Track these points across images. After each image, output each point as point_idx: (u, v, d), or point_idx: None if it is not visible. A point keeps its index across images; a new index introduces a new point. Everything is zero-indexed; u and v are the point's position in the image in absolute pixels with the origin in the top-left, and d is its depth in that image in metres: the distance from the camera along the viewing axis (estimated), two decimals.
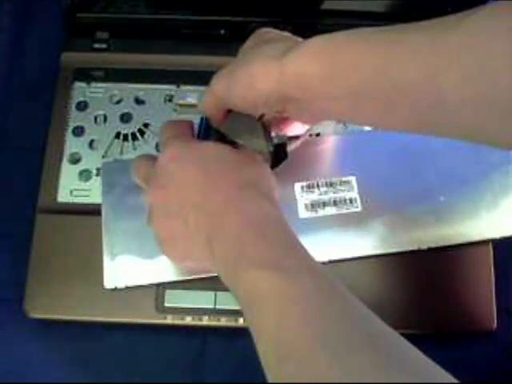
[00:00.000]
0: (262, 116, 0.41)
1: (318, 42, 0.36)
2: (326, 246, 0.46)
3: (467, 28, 0.31)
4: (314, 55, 0.36)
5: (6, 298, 0.49)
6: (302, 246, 0.37)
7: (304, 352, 0.31)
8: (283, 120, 0.44)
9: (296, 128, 0.45)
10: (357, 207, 0.47)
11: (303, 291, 0.33)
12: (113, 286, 0.46)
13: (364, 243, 0.47)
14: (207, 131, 0.44)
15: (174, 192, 0.40)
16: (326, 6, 0.53)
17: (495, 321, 0.46)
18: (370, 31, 0.35)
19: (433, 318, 0.46)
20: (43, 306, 0.47)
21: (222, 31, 0.54)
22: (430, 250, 0.47)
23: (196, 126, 0.45)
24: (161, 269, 0.46)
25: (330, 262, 0.46)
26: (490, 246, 0.48)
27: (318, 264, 0.36)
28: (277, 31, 0.43)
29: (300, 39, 0.41)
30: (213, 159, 0.41)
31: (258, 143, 0.42)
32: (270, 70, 0.37)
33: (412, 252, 0.47)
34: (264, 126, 0.41)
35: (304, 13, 0.54)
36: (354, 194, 0.47)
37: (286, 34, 0.42)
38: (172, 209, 0.40)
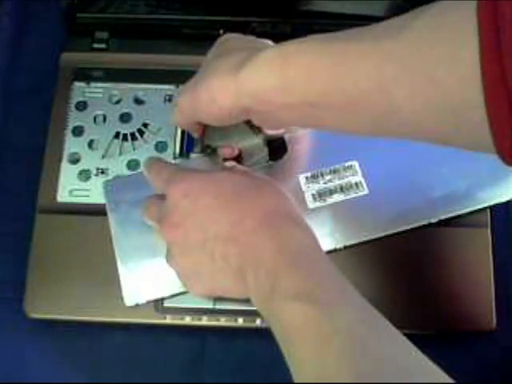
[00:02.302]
0: None
1: (270, 53, 0.36)
2: (340, 233, 0.46)
3: (411, 34, 0.31)
4: (267, 68, 0.36)
5: (6, 298, 0.49)
6: (338, 275, 0.36)
7: None
8: None
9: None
10: (363, 190, 0.47)
11: (339, 324, 0.33)
12: (134, 303, 0.45)
13: (376, 225, 0.47)
14: (190, 143, 0.45)
15: (191, 228, 0.40)
16: (325, 6, 0.53)
17: (495, 321, 0.46)
18: (320, 40, 0.35)
19: (432, 318, 0.46)
20: (43, 306, 0.47)
21: (222, 31, 0.54)
22: (439, 222, 0.47)
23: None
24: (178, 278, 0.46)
25: (346, 247, 0.46)
26: (490, 247, 0.48)
27: (355, 292, 0.35)
28: (239, 37, 0.43)
29: (260, 45, 0.41)
30: (229, 188, 0.40)
31: (248, 140, 0.43)
32: (227, 85, 0.37)
33: (420, 228, 0.47)
34: (248, 121, 0.42)
35: (304, 13, 0.54)
36: (359, 178, 0.48)
37: (249, 38, 0.42)
38: (193, 245, 0.40)
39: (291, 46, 0.36)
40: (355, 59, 0.33)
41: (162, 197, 0.42)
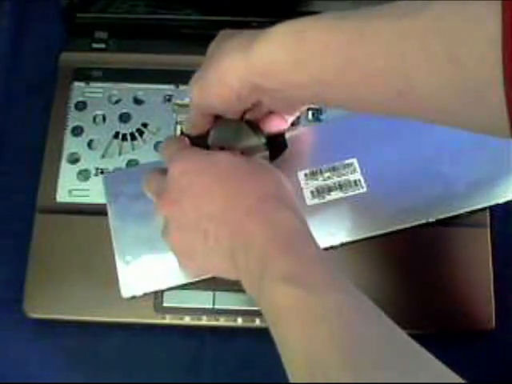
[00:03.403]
0: (243, 116, 0.41)
1: (283, 28, 0.35)
2: (337, 230, 0.46)
3: (433, 12, 0.30)
4: (280, 43, 0.35)
5: (6, 298, 0.49)
6: (327, 260, 0.37)
7: (331, 369, 0.31)
8: (264, 117, 0.44)
9: (278, 123, 0.45)
10: (362, 188, 0.47)
11: (328, 307, 0.33)
12: (130, 295, 0.45)
13: (374, 222, 0.47)
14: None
15: (188, 206, 0.40)
16: (325, 6, 0.53)
17: (494, 320, 0.46)
18: (336, 17, 0.34)
19: (432, 318, 0.46)
20: (42, 306, 0.47)
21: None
22: (437, 222, 0.47)
23: None
24: (175, 271, 0.45)
25: (343, 244, 0.46)
26: (490, 247, 0.48)
27: (344, 278, 0.36)
28: (241, 30, 0.42)
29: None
30: (226, 169, 0.40)
31: (250, 141, 0.43)
32: (237, 62, 0.37)
33: (419, 228, 0.47)
34: (250, 123, 0.42)
35: (304, 13, 0.54)
36: (358, 176, 0.48)
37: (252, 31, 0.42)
38: (188, 222, 0.40)
39: (305, 22, 0.35)
40: (372, 37, 0.32)
41: (163, 172, 0.42)
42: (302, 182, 0.48)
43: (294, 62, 0.35)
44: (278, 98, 0.39)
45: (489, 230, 0.48)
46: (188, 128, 0.44)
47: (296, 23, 0.35)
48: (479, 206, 0.47)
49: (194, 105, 0.42)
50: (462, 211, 0.47)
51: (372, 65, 0.33)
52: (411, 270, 0.47)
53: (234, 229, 0.38)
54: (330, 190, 0.47)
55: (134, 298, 0.45)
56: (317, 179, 0.48)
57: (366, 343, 0.32)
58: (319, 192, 0.47)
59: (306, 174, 0.48)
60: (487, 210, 0.48)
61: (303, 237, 0.38)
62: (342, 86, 0.35)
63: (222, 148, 0.43)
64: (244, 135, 0.43)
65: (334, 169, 0.48)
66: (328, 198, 0.47)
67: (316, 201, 0.47)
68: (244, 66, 0.37)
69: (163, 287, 0.46)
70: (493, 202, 0.47)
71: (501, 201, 0.47)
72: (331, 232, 0.46)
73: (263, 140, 0.43)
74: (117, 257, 0.46)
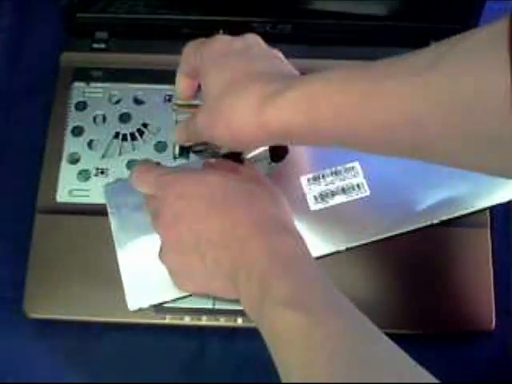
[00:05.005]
0: None
1: (295, 94, 0.36)
2: (342, 234, 0.46)
3: (445, 68, 0.30)
4: (293, 109, 0.35)
5: (6, 298, 0.49)
6: (327, 282, 0.37)
7: None
8: None
9: None
10: (365, 192, 0.47)
11: (328, 332, 0.33)
12: (137, 308, 0.45)
13: (378, 226, 0.47)
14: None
15: (185, 230, 0.40)
16: (325, 6, 0.53)
17: (494, 321, 0.46)
18: (346, 76, 0.35)
19: (432, 318, 0.46)
20: (42, 306, 0.47)
21: (222, 31, 0.54)
22: (441, 223, 0.47)
23: None
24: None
25: (348, 249, 0.46)
26: (490, 248, 0.48)
27: (345, 300, 0.36)
28: (229, 47, 0.41)
29: (258, 63, 0.40)
30: (221, 193, 0.40)
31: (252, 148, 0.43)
32: (249, 123, 0.37)
33: (420, 229, 0.47)
34: None
35: (304, 13, 0.54)
36: (361, 179, 0.48)
37: (238, 45, 0.41)
38: (186, 246, 0.40)
39: (316, 85, 0.35)
40: (386, 96, 0.32)
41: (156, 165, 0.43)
42: (305, 188, 0.48)
43: (309, 126, 0.35)
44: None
45: (489, 230, 0.48)
46: (181, 139, 0.45)
47: (306, 87, 0.36)
48: (481, 207, 0.47)
49: (200, 133, 0.41)
50: (464, 212, 0.47)
51: (387, 122, 0.33)
52: (411, 271, 0.47)
53: (233, 253, 0.38)
54: (333, 194, 0.47)
55: (140, 310, 0.45)
56: (319, 184, 0.48)
57: (366, 368, 0.32)
58: (322, 197, 0.47)
59: (308, 180, 0.48)
60: (487, 211, 0.48)
61: (303, 260, 0.38)
62: (358, 143, 0.35)
63: (224, 156, 0.44)
64: None
65: (336, 173, 0.48)
66: (331, 202, 0.47)
67: (320, 206, 0.47)
68: (257, 126, 0.37)
69: (169, 298, 0.46)
70: (494, 203, 0.47)
71: (502, 201, 0.47)
72: (336, 237, 0.46)
73: (265, 146, 0.43)
74: (121, 268, 0.46)
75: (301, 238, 0.39)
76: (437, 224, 0.47)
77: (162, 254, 0.43)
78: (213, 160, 0.45)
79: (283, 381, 0.34)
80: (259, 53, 0.42)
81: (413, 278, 0.47)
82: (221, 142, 0.40)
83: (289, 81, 0.37)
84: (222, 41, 0.42)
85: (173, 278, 0.43)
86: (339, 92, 0.34)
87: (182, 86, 0.45)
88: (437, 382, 0.31)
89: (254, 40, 0.42)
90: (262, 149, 0.44)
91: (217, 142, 0.40)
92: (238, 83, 0.38)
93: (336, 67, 0.36)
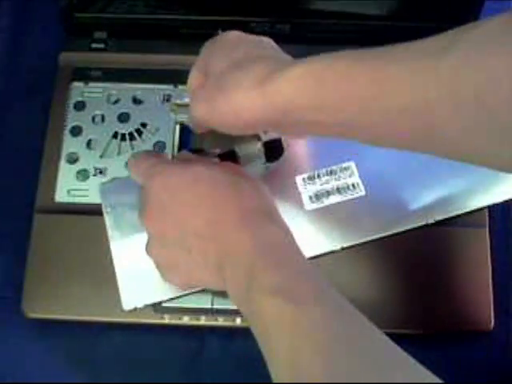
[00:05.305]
0: None
1: (299, 71, 0.35)
2: (337, 234, 0.46)
3: (459, 52, 0.30)
4: (300, 87, 0.35)
5: (5, 298, 0.49)
6: (314, 271, 0.37)
7: (316, 381, 0.31)
8: None
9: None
10: (361, 191, 0.47)
11: (315, 319, 0.33)
12: (132, 307, 0.45)
13: (374, 226, 0.47)
14: (188, 143, 0.45)
15: (171, 222, 0.40)
16: (325, 6, 0.53)
17: (493, 321, 0.46)
18: (355, 58, 0.34)
19: (431, 318, 0.46)
20: (41, 306, 0.47)
21: (221, 31, 0.54)
22: (436, 223, 0.47)
23: None
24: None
25: (343, 248, 0.46)
26: (489, 247, 0.48)
27: (331, 288, 0.36)
28: (242, 38, 0.42)
29: (270, 51, 0.40)
30: (207, 184, 0.40)
31: (246, 146, 0.43)
32: (253, 100, 0.36)
33: (418, 229, 0.47)
34: None
35: (303, 13, 0.54)
36: (356, 179, 0.48)
37: (252, 38, 0.41)
38: (172, 238, 0.40)
39: (323, 64, 0.35)
40: (395, 80, 0.32)
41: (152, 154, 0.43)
42: (300, 187, 0.48)
43: (314, 105, 0.35)
44: (295, 131, 0.39)
45: (487, 230, 0.48)
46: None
47: (311, 65, 0.35)
48: (478, 206, 0.47)
49: (198, 121, 0.41)
50: (460, 212, 0.47)
51: (395, 107, 0.32)
52: (410, 271, 0.47)
53: (220, 244, 0.38)
54: (328, 194, 0.47)
55: (135, 309, 0.45)
56: (315, 183, 0.48)
57: (353, 357, 0.32)
58: (318, 196, 0.47)
59: (303, 179, 0.48)
60: (486, 210, 0.48)
61: (289, 249, 0.38)
62: (366, 126, 0.34)
63: (221, 156, 0.43)
64: (241, 140, 0.43)
65: (331, 173, 0.48)
66: (327, 202, 0.47)
67: (315, 205, 0.47)
68: (261, 104, 0.36)
69: (164, 298, 0.46)
70: (491, 202, 0.47)
71: (500, 200, 0.47)
72: (331, 237, 0.46)
73: (260, 145, 0.43)
74: (116, 268, 0.46)
75: (286, 227, 0.39)
76: (433, 224, 0.47)
77: (148, 247, 0.42)
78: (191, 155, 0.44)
79: (270, 368, 0.34)
80: (267, 45, 0.42)
81: (410, 278, 0.47)
82: (224, 126, 0.39)
83: (296, 60, 0.36)
84: (234, 33, 0.42)
85: (160, 271, 0.43)
86: (347, 74, 0.34)
87: (195, 82, 0.44)
88: (429, 373, 0.31)
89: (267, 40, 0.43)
90: (257, 146, 0.43)
91: (219, 126, 0.39)
92: (243, 61, 0.38)
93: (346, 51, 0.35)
